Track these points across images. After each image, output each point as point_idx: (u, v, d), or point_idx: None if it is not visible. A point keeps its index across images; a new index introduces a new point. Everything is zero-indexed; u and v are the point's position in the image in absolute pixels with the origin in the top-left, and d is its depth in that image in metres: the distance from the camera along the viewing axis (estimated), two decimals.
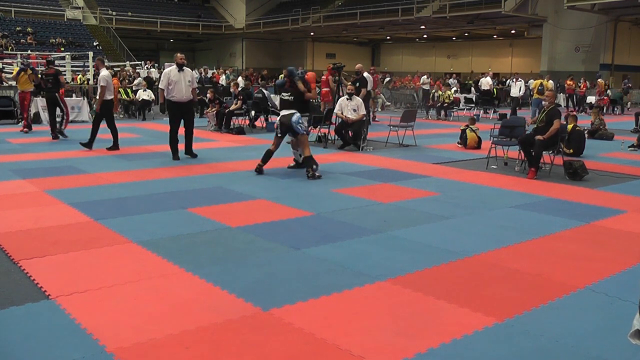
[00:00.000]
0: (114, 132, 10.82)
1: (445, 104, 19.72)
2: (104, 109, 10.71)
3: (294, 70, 8.87)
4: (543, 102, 9.00)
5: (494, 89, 23.43)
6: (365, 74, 14.05)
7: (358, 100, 11.38)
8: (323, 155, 10.31)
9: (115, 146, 10.79)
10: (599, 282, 4.27)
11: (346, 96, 11.38)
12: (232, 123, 14.73)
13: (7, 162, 9.25)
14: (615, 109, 24.28)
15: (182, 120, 9.85)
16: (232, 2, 46.79)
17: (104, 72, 10.75)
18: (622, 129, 15.50)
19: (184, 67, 9.78)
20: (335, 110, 11.55)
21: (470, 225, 5.85)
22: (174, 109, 9.81)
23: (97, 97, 11.04)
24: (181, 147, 9.99)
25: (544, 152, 9.10)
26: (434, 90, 21.10)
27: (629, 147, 12.23)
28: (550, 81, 19.98)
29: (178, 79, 9.62)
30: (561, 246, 5.19)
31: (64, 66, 22.75)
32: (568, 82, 24.84)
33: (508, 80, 26.80)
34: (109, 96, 10.74)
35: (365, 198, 7.06)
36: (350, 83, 12.38)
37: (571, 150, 10.77)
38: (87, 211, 6.10)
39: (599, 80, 24.61)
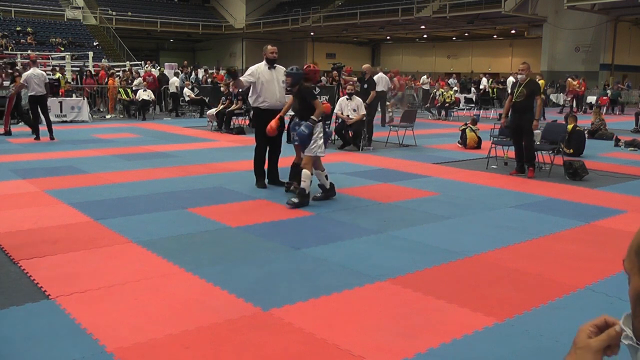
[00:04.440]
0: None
1: (446, 104, 19.71)
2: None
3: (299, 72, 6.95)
4: (519, 76, 8.66)
5: (491, 89, 23.43)
6: (378, 75, 13.94)
7: (358, 100, 11.38)
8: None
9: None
10: (599, 282, 4.26)
11: (346, 96, 11.39)
12: (232, 123, 14.75)
13: (7, 162, 9.25)
14: (615, 109, 24.27)
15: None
16: (232, 2, 46.77)
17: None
18: (622, 129, 15.49)
19: (276, 65, 7.58)
20: (335, 110, 11.54)
21: (470, 225, 5.85)
22: (263, 118, 7.42)
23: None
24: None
25: (543, 151, 9.11)
26: (435, 90, 21.09)
27: (628, 148, 12.25)
28: (542, 81, 19.95)
29: (270, 79, 7.43)
30: (561, 246, 5.19)
31: (64, 66, 22.69)
32: (572, 82, 24.64)
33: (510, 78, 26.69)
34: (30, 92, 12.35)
35: (365, 198, 7.06)
36: (356, 80, 12.34)
37: (571, 150, 10.77)
38: (87, 211, 6.10)
39: (568, 79, 24.46)
